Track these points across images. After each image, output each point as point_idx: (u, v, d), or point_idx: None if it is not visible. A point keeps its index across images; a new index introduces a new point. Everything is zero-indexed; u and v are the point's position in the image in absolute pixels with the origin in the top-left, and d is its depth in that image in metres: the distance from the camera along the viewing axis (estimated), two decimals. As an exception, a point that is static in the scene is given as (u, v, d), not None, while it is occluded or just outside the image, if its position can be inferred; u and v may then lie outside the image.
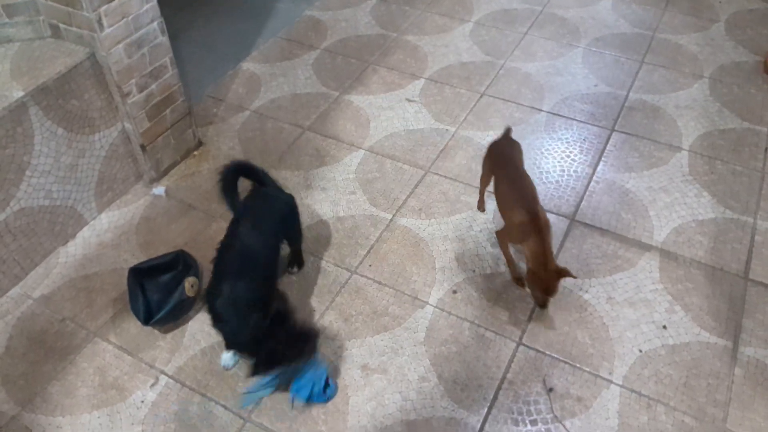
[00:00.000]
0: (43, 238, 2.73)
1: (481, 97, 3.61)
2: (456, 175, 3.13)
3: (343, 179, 3.13)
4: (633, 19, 4.23)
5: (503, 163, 2.62)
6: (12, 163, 2.49)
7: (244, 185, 2.50)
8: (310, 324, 2.39)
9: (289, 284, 2.65)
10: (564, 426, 2.18)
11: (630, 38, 4.05)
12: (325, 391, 2.22)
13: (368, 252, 2.78)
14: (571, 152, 3.24)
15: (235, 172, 2.45)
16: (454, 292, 2.61)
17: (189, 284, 2.48)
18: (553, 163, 3.18)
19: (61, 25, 2.62)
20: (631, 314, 2.50)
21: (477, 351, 2.41)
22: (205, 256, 2.73)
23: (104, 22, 2.51)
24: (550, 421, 2.20)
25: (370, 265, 2.72)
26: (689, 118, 3.42)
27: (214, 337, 2.47)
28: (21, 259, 2.67)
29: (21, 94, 2.43)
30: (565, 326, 2.47)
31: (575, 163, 3.17)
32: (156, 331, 2.50)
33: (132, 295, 2.47)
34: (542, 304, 2.42)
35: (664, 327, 2.46)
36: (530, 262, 2.33)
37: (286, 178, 3.14)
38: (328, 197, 3.04)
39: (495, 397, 2.27)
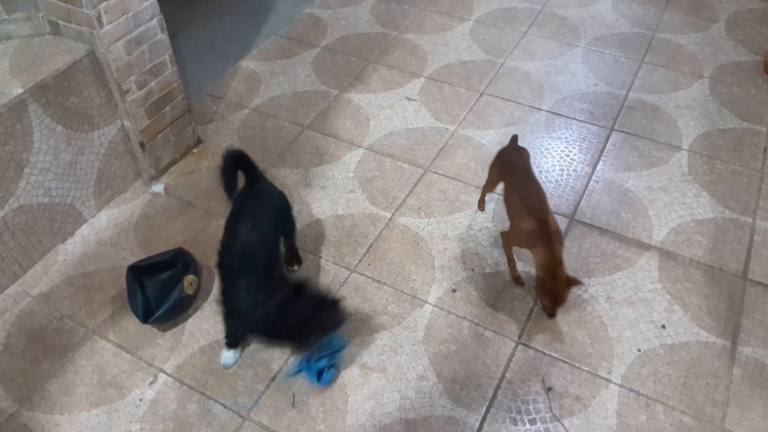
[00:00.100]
0: (42, 236, 2.73)
1: (480, 96, 3.61)
2: (455, 174, 3.12)
3: (343, 178, 3.12)
4: (633, 19, 4.23)
5: (511, 169, 2.59)
6: (11, 161, 2.48)
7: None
8: (327, 291, 2.31)
9: (288, 283, 2.65)
10: (563, 425, 2.19)
11: (630, 38, 4.05)
12: (322, 377, 2.25)
13: (367, 251, 2.78)
14: (570, 151, 3.24)
15: (235, 159, 2.43)
16: (454, 291, 2.61)
17: (188, 282, 2.48)
18: (553, 162, 3.18)
19: (61, 22, 2.61)
20: (630, 314, 2.51)
21: (476, 350, 2.41)
22: (204, 254, 2.73)
23: (104, 19, 2.50)
24: (548, 420, 2.20)
25: (369, 264, 2.71)
26: (689, 117, 3.42)
27: (213, 335, 2.47)
28: (20, 256, 2.66)
29: (20, 91, 2.43)
30: (564, 325, 2.47)
31: (575, 163, 3.18)
32: (155, 329, 2.50)
33: (131, 293, 2.47)
34: (551, 314, 2.42)
35: (663, 326, 2.46)
36: (540, 270, 2.31)
37: (286, 177, 3.13)
38: (327, 196, 3.04)
39: (494, 396, 2.27)
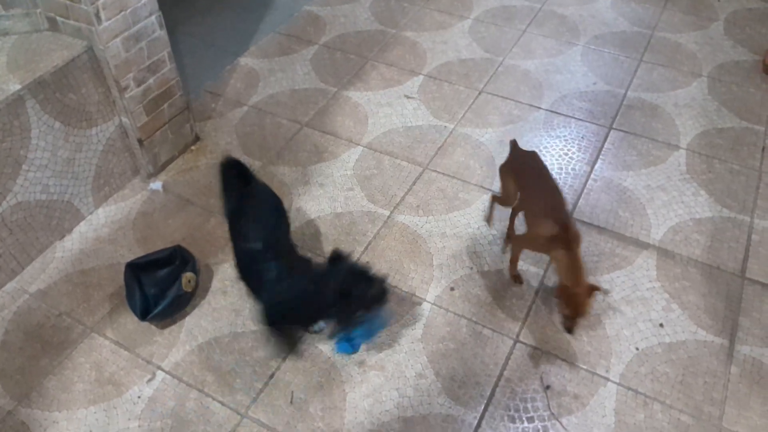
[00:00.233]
0: (39, 233, 2.72)
1: (479, 94, 3.61)
2: (454, 172, 3.12)
3: (341, 175, 3.12)
4: (632, 18, 4.23)
5: (530, 175, 2.46)
6: (9, 157, 2.47)
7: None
8: (369, 267, 2.25)
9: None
10: (561, 423, 2.19)
11: (629, 36, 4.05)
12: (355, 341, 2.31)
13: (366, 249, 2.77)
14: (569, 150, 3.24)
15: (231, 167, 2.44)
16: (452, 289, 2.61)
17: (186, 279, 2.48)
18: (551, 160, 3.17)
19: (59, 18, 2.60)
20: (628, 312, 2.51)
21: (474, 348, 2.41)
22: (202, 251, 2.73)
23: (102, 15, 2.49)
24: (546, 418, 2.21)
25: (367, 262, 2.71)
26: (687, 116, 3.42)
27: (211, 332, 2.47)
28: (17, 253, 2.66)
29: (18, 87, 2.42)
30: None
31: (573, 161, 3.18)
32: (153, 327, 2.49)
33: (129, 291, 2.47)
34: (570, 327, 2.24)
35: (661, 325, 2.46)
36: (561, 276, 2.21)
37: (284, 174, 3.13)
38: (325, 193, 3.03)
39: (492, 395, 2.27)
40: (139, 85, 2.80)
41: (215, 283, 2.65)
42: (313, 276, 2.16)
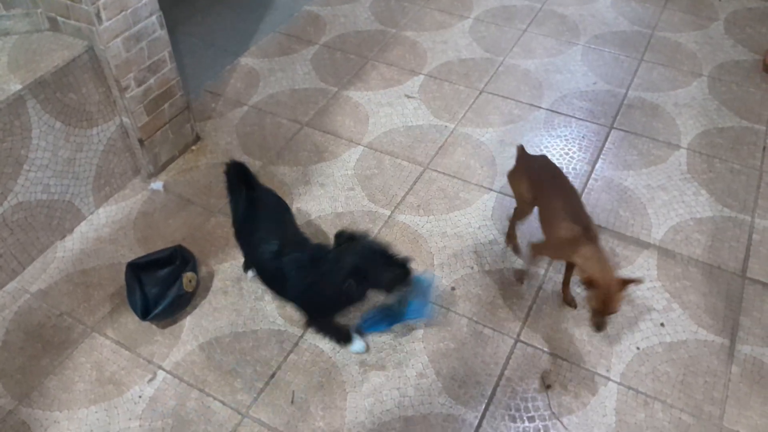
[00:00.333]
0: (40, 233, 2.72)
1: (480, 93, 3.61)
2: (455, 171, 3.12)
3: (342, 175, 3.12)
4: (632, 17, 4.23)
5: (542, 178, 2.41)
6: (9, 157, 2.47)
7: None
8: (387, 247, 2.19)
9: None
10: (561, 423, 2.19)
11: (629, 36, 4.05)
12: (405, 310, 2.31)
13: (367, 248, 2.77)
14: (569, 150, 3.24)
15: (237, 172, 2.42)
16: (453, 288, 2.61)
17: (187, 279, 2.48)
18: (552, 160, 3.16)
19: (60, 18, 2.60)
20: (629, 312, 2.51)
21: (475, 348, 2.41)
22: (203, 251, 2.73)
23: (103, 15, 2.49)
24: (547, 418, 2.21)
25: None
26: (688, 116, 3.42)
27: (212, 332, 2.47)
28: (18, 253, 2.66)
29: (19, 87, 2.42)
30: (563, 323, 2.48)
31: (574, 161, 3.18)
32: (154, 326, 2.50)
33: (130, 290, 2.47)
34: (600, 324, 2.11)
35: (662, 324, 2.46)
36: (592, 272, 2.07)
37: (285, 174, 3.13)
38: (326, 193, 3.03)
39: (493, 394, 2.27)
40: (139, 85, 2.80)
41: (216, 283, 2.65)
42: (332, 256, 2.13)
